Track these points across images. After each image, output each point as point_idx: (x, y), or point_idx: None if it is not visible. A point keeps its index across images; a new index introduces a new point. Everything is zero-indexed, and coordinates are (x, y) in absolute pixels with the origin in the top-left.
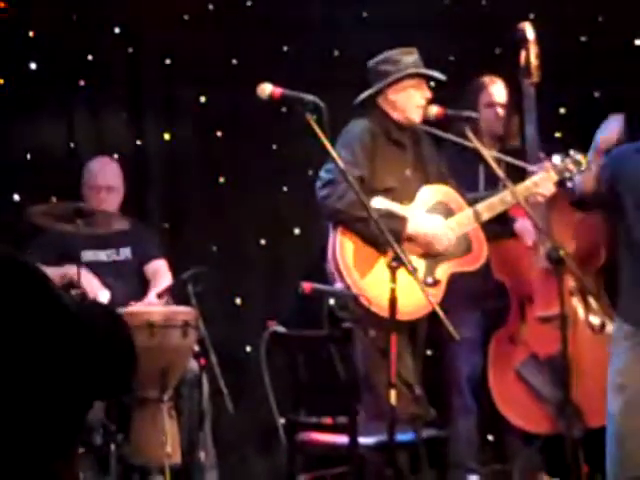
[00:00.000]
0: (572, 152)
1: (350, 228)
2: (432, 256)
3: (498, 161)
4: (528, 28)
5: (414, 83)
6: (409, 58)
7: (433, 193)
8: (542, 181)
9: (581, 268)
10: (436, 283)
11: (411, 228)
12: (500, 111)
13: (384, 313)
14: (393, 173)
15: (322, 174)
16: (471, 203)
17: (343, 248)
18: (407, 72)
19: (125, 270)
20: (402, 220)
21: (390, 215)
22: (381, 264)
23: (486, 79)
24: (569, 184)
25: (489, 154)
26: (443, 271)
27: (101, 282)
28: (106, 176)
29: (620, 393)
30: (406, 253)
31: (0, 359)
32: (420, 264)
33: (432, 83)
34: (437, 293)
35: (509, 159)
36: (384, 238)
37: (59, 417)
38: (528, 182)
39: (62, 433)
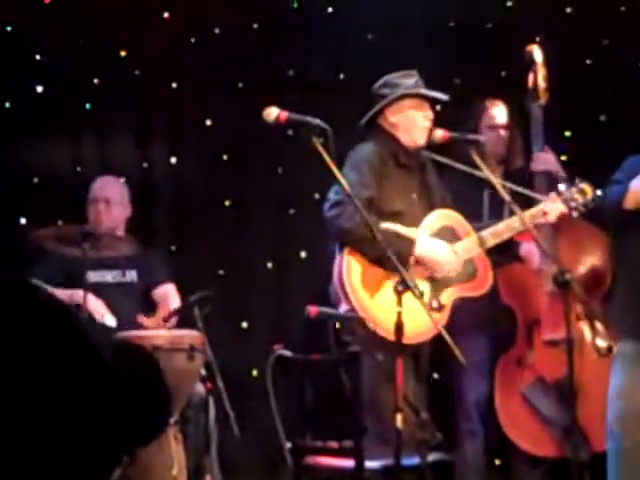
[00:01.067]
0: (577, 181)
1: (358, 249)
2: (437, 280)
3: (503, 186)
4: (536, 50)
5: (413, 104)
6: (408, 81)
7: (439, 218)
8: (549, 210)
9: (588, 292)
10: (441, 308)
11: (418, 251)
12: (502, 133)
13: (390, 336)
14: (400, 197)
15: (330, 195)
16: (476, 230)
17: (350, 269)
18: (399, 93)
19: (131, 292)
20: (410, 242)
21: (398, 237)
22: (388, 286)
23: (487, 101)
24: (574, 214)
25: (495, 179)
26: (448, 296)
27: (107, 303)
28: (104, 189)
29: (619, 408)
30: (412, 276)
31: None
32: (425, 288)
33: (438, 107)
34: (441, 318)
35: (517, 188)
36: (387, 262)
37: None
38: (535, 210)
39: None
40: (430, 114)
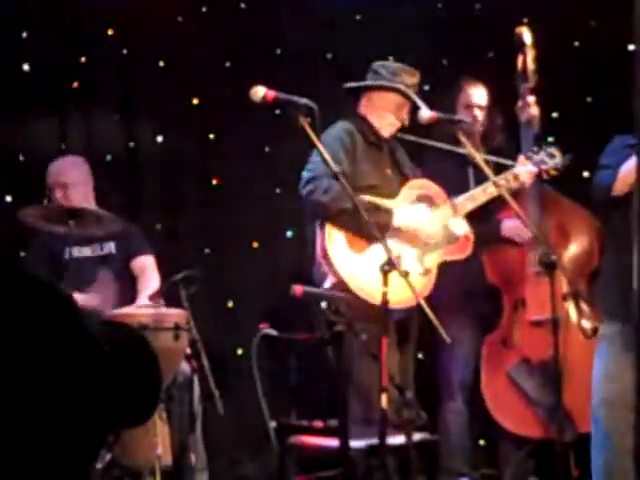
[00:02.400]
0: (545, 145)
1: (337, 221)
2: (420, 245)
3: (487, 162)
4: (525, 32)
5: (397, 102)
6: (410, 79)
7: (416, 187)
8: (520, 172)
9: (574, 273)
10: (427, 272)
11: (397, 220)
12: (478, 113)
13: (374, 300)
14: (374, 171)
15: (304, 174)
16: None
17: (332, 241)
18: (396, 86)
19: (112, 265)
20: (388, 213)
21: (376, 208)
22: (371, 253)
23: (465, 81)
24: (544, 176)
25: (479, 156)
26: (432, 260)
27: (87, 277)
28: (59, 174)
29: (604, 394)
30: (399, 241)
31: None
32: (410, 253)
33: (427, 87)
34: (428, 282)
35: (499, 159)
36: (372, 231)
37: (78, 446)
38: (508, 174)
39: (80, 461)
40: (405, 118)
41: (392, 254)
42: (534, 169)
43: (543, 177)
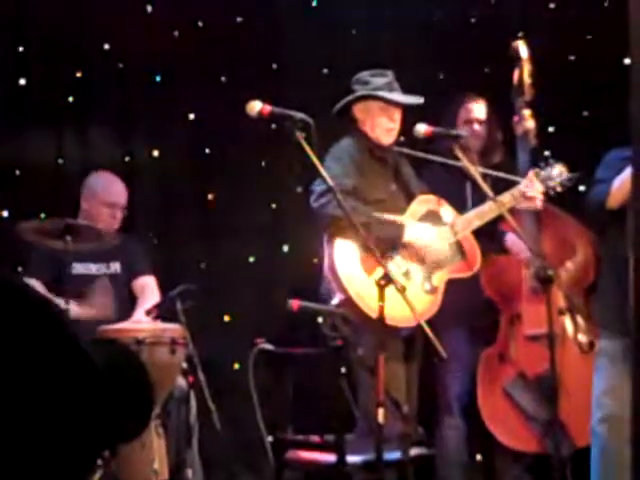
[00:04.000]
0: (552, 161)
1: (348, 235)
2: (428, 263)
3: (484, 177)
4: (521, 46)
5: (378, 105)
6: (379, 80)
7: (423, 203)
8: (527, 189)
9: (571, 287)
10: (434, 290)
11: (408, 235)
12: (477, 128)
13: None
14: (380, 186)
15: (315, 187)
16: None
17: (341, 257)
18: (362, 93)
19: (115, 284)
20: (400, 227)
21: (388, 222)
22: (379, 270)
23: (466, 96)
24: (551, 192)
25: (476, 171)
26: (440, 278)
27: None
28: (120, 195)
29: (605, 422)
30: (405, 259)
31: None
32: (418, 271)
33: (423, 101)
34: (435, 300)
35: (498, 174)
36: (379, 246)
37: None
38: (514, 191)
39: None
40: (397, 116)
41: (388, 269)
42: (541, 187)
43: (549, 194)
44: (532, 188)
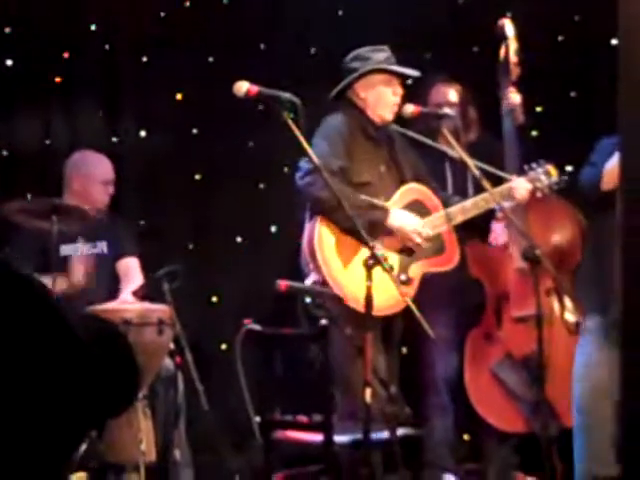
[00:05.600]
0: (542, 162)
1: (331, 218)
2: (407, 253)
3: (464, 163)
4: (507, 24)
5: (383, 80)
6: (379, 55)
7: (409, 192)
8: (517, 188)
9: (557, 267)
10: (409, 281)
11: (391, 220)
12: (448, 110)
13: (359, 307)
14: (368, 168)
15: (302, 164)
16: (445, 204)
17: (321, 239)
18: (370, 67)
19: (102, 263)
20: (384, 211)
21: (372, 206)
22: (359, 257)
23: (435, 80)
24: (538, 194)
25: (466, 156)
26: (416, 270)
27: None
28: (110, 171)
29: (585, 383)
30: (383, 248)
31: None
32: (394, 261)
33: (409, 81)
34: (409, 291)
35: (487, 167)
36: (363, 231)
37: (59, 438)
38: (503, 187)
39: (60, 453)
40: (399, 90)
41: (376, 249)
42: (529, 185)
43: (537, 194)
44: (522, 187)
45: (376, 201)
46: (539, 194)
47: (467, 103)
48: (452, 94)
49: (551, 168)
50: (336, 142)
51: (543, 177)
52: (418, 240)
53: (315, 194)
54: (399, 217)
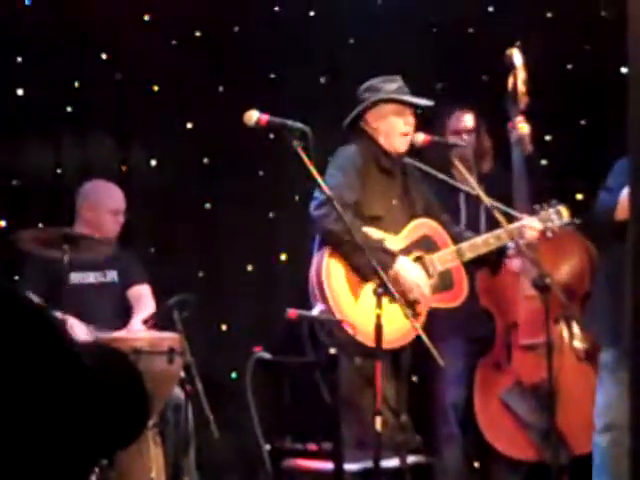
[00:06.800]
0: (554, 202)
1: (340, 252)
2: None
3: (476, 196)
4: (516, 54)
5: (395, 110)
6: (391, 85)
7: (419, 227)
8: (528, 227)
9: (566, 295)
10: (416, 317)
11: (397, 267)
12: (466, 137)
13: (369, 341)
14: (380, 201)
15: (317, 194)
16: (456, 240)
17: (329, 271)
18: (377, 98)
19: (111, 293)
20: (392, 256)
21: (381, 248)
22: (366, 292)
23: (453, 107)
24: (549, 234)
25: (473, 181)
26: (422, 305)
27: (88, 304)
28: (121, 201)
29: (607, 432)
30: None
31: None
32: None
33: (419, 110)
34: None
35: (498, 205)
36: (371, 266)
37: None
38: (515, 226)
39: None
40: (411, 120)
41: (386, 280)
42: (540, 226)
43: (547, 235)
44: (532, 228)
45: (387, 245)
46: (549, 234)
47: (482, 131)
48: (469, 121)
49: (563, 209)
50: (350, 174)
51: (555, 217)
52: (416, 294)
53: (328, 227)
54: (405, 266)
